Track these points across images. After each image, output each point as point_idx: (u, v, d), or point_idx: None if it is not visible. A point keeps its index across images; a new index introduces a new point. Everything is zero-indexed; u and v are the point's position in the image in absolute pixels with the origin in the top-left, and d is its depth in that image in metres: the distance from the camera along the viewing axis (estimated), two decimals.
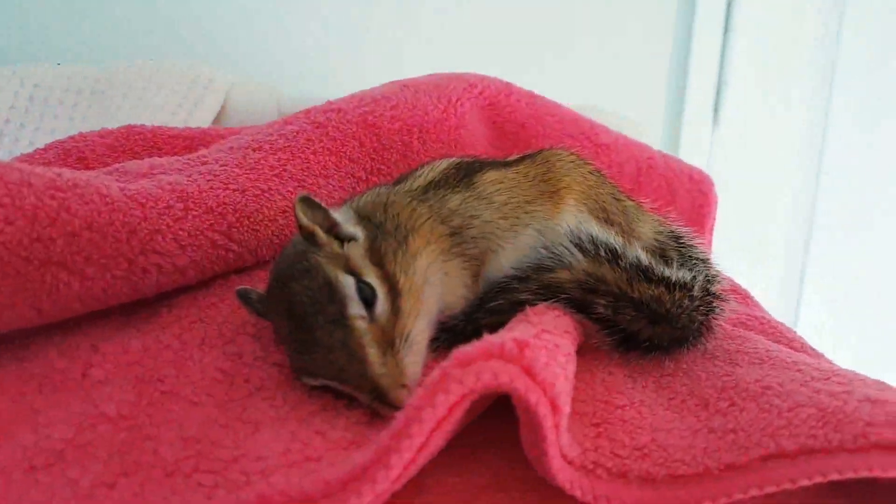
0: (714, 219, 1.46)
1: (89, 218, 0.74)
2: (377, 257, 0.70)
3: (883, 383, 0.65)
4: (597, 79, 2.14)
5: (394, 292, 0.68)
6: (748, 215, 2.28)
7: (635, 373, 0.75)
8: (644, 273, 0.76)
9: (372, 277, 0.68)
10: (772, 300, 2.32)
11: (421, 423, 0.50)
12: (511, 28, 2.11)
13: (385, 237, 0.73)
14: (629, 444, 0.60)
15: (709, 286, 0.81)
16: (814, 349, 0.92)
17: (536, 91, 1.39)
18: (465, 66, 1.38)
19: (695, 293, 0.78)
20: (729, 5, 2.14)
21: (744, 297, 1.14)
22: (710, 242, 1.47)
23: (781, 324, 0.99)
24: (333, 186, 1.03)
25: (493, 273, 0.80)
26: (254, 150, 0.99)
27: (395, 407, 0.61)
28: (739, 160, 2.26)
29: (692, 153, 2.19)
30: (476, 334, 0.57)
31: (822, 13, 2.20)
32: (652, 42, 2.16)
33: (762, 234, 2.33)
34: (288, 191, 0.97)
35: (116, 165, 0.96)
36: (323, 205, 0.72)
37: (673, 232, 0.94)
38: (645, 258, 0.78)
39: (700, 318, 0.78)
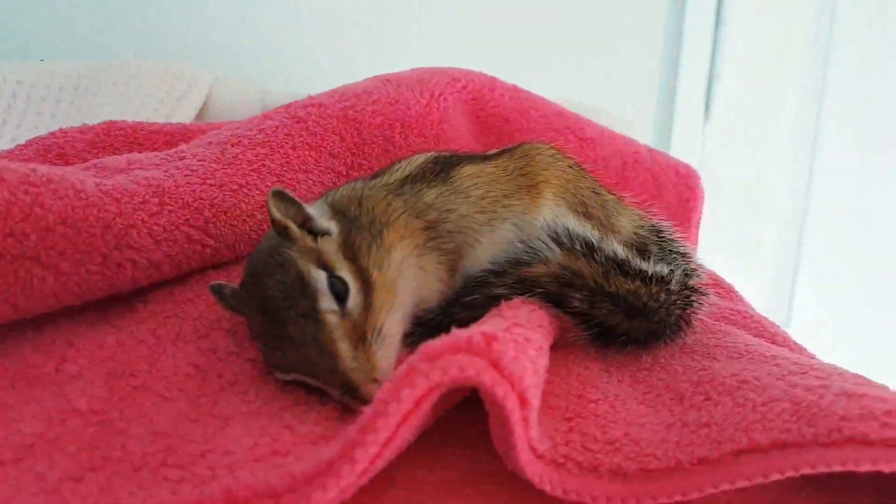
0: (700, 213, 1.46)
1: (63, 213, 0.73)
2: (351, 252, 0.70)
3: (861, 377, 0.65)
4: (587, 74, 2.13)
5: (367, 287, 0.68)
6: (740, 211, 2.28)
7: (612, 367, 0.75)
8: (620, 267, 0.76)
9: (345, 272, 0.67)
10: (763, 297, 2.32)
11: (387, 418, 0.50)
12: (500, 24, 2.10)
13: (359, 231, 0.72)
14: (601, 439, 0.60)
15: (687, 280, 0.81)
16: (797, 343, 0.92)
17: (526, 87, 1.38)
18: (454, 63, 1.36)
19: (672, 287, 0.78)
20: None
21: (728, 291, 1.14)
22: (696, 236, 1.47)
23: (765, 318, 0.99)
24: (313, 182, 1.02)
25: (470, 267, 0.80)
26: (232, 145, 0.98)
27: (366, 401, 0.60)
28: (731, 155, 2.25)
29: (683, 148, 2.18)
30: (451, 329, 0.57)
31: (814, 7, 2.19)
32: (643, 36, 2.15)
33: (754, 229, 2.32)
34: (266, 186, 0.96)
35: (94, 161, 0.95)
36: (297, 199, 0.71)
37: (654, 226, 0.93)
38: (622, 252, 0.77)
39: (678, 311, 0.78)
